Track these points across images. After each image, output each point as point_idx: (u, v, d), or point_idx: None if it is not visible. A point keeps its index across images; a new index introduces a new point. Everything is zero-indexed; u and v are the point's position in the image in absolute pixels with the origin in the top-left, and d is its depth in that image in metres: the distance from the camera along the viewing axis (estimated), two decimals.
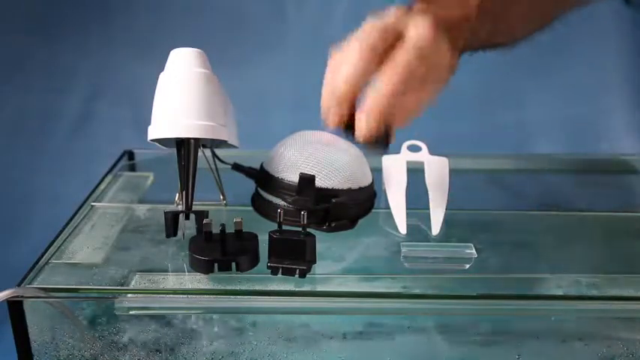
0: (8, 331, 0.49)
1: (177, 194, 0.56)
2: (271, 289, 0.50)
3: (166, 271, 0.53)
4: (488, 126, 1.11)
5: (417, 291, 0.50)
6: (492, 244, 0.58)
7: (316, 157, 0.56)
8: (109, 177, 0.71)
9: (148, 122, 0.54)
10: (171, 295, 0.49)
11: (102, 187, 0.68)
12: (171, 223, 0.53)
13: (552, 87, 1.13)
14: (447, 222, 0.59)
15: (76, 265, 0.53)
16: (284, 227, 0.50)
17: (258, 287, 0.50)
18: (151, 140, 0.54)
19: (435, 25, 0.50)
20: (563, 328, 0.53)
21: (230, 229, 0.50)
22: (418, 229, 0.59)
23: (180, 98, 0.52)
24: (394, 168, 0.64)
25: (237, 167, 0.61)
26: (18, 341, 0.50)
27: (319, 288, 0.50)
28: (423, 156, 0.66)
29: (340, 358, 0.53)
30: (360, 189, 0.57)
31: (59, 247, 0.55)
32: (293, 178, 0.55)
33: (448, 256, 0.55)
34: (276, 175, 0.56)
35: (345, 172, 0.56)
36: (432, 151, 0.67)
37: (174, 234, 0.54)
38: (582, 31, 1.12)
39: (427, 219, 0.59)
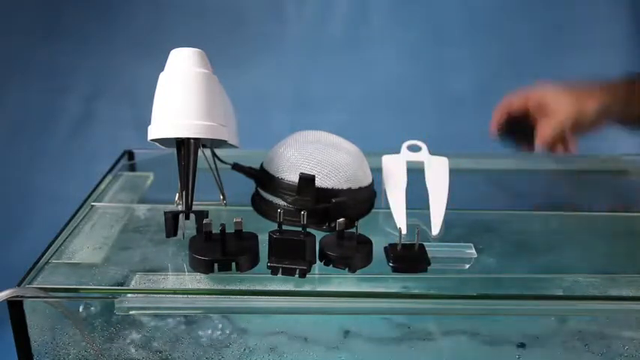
0: (8, 331, 0.49)
1: (177, 194, 0.56)
2: (271, 289, 0.50)
3: (166, 271, 0.53)
4: (488, 126, 1.11)
5: (416, 291, 0.51)
6: (492, 244, 0.58)
7: (316, 157, 0.56)
8: (109, 177, 0.71)
9: (148, 122, 0.54)
10: (171, 295, 0.49)
11: (102, 187, 0.68)
12: (171, 223, 0.53)
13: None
14: (446, 222, 0.59)
15: (76, 265, 0.52)
16: (284, 227, 0.50)
17: (258, 287, 0.50)
18: (151, 140, 0.54)
19: None
20: (563, 328, 0.53)
21: (230, 229, 0.50)
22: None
23: (181, 98, 0.52)
24: (394, 168, 0.64)
25: (237, 167, 0.61)
26: (18, 341, 0.50)
27: (319, 288, 0.50)
28: (423, 156, 0.66)
29: (340, 358, 0.53)
30: (360, 189, 0.57)
31: (59, 247, 0.55)
32: (293, 178, 0.55)
33: (448, 256, 0.55)
34: (276, 175, 0.56)
35: (345, 172, 0.56)
36: (432, 151, 0.66)
37: (175, 234, 0.54)
38: (582, 30, 1.12)
39: (427, 219, 0.59)
